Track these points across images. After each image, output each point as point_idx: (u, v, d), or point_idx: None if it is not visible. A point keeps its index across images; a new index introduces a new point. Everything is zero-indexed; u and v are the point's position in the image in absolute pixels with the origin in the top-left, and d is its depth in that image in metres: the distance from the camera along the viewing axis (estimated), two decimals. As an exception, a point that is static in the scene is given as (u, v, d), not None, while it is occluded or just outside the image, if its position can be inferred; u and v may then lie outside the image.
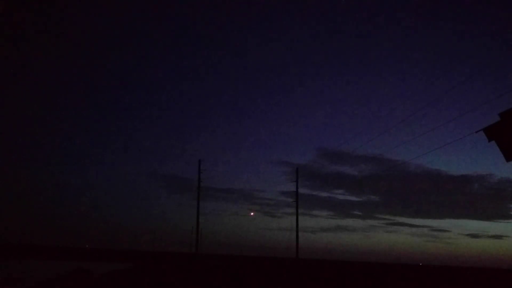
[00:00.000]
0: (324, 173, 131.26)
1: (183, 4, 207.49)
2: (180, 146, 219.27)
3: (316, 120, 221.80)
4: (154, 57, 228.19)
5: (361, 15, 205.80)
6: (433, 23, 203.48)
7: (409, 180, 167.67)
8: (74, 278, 26.32)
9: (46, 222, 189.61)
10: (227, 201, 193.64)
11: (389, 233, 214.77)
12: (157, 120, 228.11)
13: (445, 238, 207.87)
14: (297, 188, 50.44)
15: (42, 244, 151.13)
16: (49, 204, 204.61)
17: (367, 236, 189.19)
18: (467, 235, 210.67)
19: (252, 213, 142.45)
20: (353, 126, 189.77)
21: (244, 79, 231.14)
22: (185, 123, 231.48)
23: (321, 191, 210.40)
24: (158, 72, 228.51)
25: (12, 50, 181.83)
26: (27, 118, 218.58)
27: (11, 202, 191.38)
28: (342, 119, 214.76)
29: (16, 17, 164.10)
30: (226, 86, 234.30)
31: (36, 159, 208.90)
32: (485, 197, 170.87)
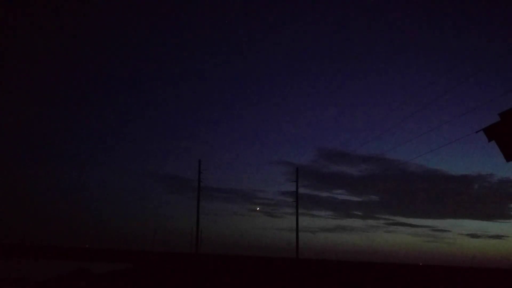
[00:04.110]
0: (324, 173, 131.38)
1: (183, 4, 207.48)
2: (180, 146, 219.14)
3: (316, 120, 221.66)
4: (154, 56, 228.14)
5: (361, 15, 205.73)
6: (433, 23, 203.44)
7: (409, 180, 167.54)
8: (74, 278, 26.33)
9: (46, 222, 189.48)
10: (227, 201, 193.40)
11: (389, 233, 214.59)
12: (157, 120, 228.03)
13: (445, 238, 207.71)
14: (297, 188, 50.46)
15: (42, 244, 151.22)
16: (49, 204, 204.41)
17: (367, 236, 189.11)
18: (467, 235, 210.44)
19: (257, 208, 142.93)
20: (353, 126, 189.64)
21: (244, 79, 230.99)
22: (185, 123, 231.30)
23: (321, 191, 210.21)
24: (158, 72, 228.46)
25: (12, 50, 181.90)
26: (26, 117, 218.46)
27: (11, 202, 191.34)
28: (342, 119, 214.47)
29: (16, 16, 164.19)
30: (226, 86, 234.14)
31: (36, 159, 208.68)
32: (485, 197, 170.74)
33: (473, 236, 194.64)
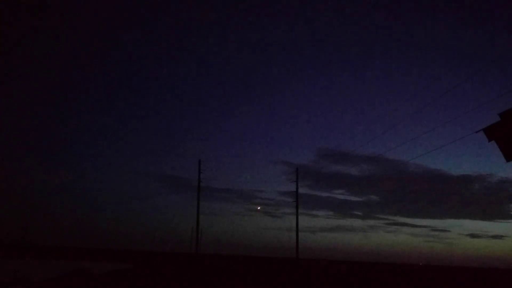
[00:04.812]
0: (324, 173, 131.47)
1: (183, 4, 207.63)
2: (180, 146, 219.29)
3: (316, 120, 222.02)
4: (154, 57, 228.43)
5: (361, 15, 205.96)
6: (433, 23, 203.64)
7: (409, 180, 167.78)
8: (74, 278, 26.33)
9: (46, 222, 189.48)
10: (227, 201, 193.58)
11: (389, 233, 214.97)
12: (157, 120, 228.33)
13: (445, 238, 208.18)
14: (297, 188, 50.42)
15: (42, 244, 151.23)
16: (49, 204, 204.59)
17: (367, 236, 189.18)
18: (467, 235, 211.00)
19: (258, 207, 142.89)
20: (353, 126, 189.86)
21: (244, 79, 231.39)
22: (185, 123, 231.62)
23: (321, 191, 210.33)
24: (158, 72, 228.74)
25: (12, 50, 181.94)
26: (27, 118, 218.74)
27: (11, 202, 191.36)
28: (342, 119, 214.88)
29: (17, 16, 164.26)
30: (226, 86, 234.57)
31: (36, 159, 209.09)
32: (485, 197, 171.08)
33: (473, 236, 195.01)
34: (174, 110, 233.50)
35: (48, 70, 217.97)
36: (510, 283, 49.71)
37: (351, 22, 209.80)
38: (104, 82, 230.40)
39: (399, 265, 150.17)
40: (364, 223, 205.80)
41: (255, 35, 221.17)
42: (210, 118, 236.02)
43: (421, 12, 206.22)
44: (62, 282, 23.84)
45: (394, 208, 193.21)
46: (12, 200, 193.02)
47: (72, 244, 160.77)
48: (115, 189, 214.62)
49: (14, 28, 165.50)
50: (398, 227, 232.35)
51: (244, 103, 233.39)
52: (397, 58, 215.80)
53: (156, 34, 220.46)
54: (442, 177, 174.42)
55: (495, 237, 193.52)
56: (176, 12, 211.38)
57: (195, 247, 48.97)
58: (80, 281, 24.90)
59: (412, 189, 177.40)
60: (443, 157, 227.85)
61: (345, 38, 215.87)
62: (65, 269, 33.26)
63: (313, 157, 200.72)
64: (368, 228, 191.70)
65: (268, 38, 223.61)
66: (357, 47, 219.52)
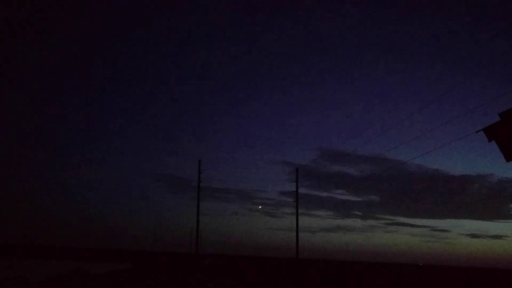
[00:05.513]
0: (324, 173, 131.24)
1: (183, 5, 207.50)
2: (180, 146, 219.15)
3: (316, 120, 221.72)
4: (154, 57, 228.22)
5: (361, 15, 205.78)
6: (433, 23, 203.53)
7: (409, 180, 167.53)
8: (74, 278, 26.32)
9: (46, 222, 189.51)
10: (227, 201, 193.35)
11: (389, 233, 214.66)
12: (157, 120, 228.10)
13: (445, 238, 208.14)
14: (297, 188, 50.39)
15: (42, 244, 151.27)
16: (49, 204, 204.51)
17: (367, 236, 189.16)
18: (467, 235, 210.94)
19: (260, 207, 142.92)
20: (353, 126, 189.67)
21: (244, 79, 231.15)
22: (185, 123, 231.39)
23: (321, 191, 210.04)
24: (158, 72, 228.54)
25: (12, 49, 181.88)
26: (27, 117, 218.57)
27: (11, 202, 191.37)
28: (342, 119, 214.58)
29: (16, 16, 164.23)
30: (226, 86, 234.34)
31: (36, 159, 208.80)
32: (485, 197, 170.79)
33: (473, 236, 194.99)
34: (174, 110, 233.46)
35: (49, 70, 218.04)
36: (510, 283, 49.70)
37: (349, 22, 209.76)
38: (104, 81, 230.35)
39: (399, 265, 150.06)
40: (364, 223, 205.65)
41: (255, 35, 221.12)
42: (210, 118, 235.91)
43: (422, 13, 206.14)
44: (62, 282, 23.83)
45: (394, 208, 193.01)
46: (12, 200, 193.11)
47: (72, 244, 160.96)
48: (115, 189, 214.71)
49: (17, 28, 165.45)
50: (398, 227, 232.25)
51: (244, 103, 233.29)
52: (397, 58, 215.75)
53: (156, 34, 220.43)
54: (442, 177, 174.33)
55: (495, 237, 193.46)
56: (175, 12, 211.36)
57: (195, 247, 48.97)
58: (79, 281, 24.89)
59: (412, 189, 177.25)
60: (443, 157, 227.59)
61: (346, 38, 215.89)
62: (65, 269, 33.24)
63: (313, 157, 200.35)
64: (368, 228, 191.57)
65: (269, 38, 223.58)
66: (357, 47, 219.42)
